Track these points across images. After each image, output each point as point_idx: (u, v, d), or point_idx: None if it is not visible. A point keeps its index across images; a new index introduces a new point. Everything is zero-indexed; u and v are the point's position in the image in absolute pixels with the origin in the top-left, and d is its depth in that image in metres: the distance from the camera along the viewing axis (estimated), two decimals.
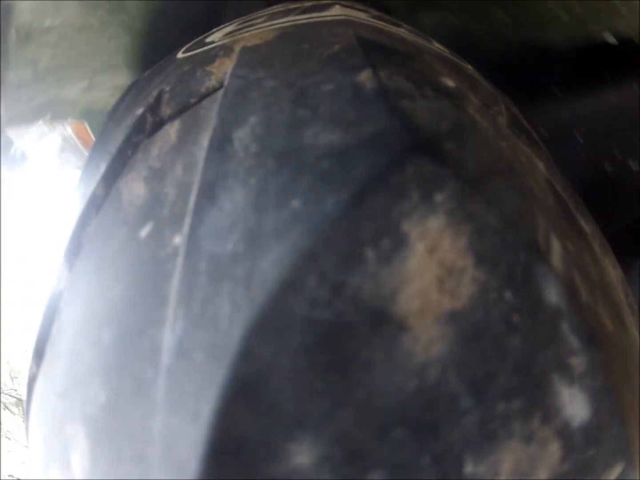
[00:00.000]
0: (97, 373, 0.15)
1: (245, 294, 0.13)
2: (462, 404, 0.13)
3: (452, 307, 0.13)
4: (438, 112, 0.16)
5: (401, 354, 0.13)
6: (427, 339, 0.13)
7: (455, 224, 0.14)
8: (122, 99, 0.24)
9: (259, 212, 0.14)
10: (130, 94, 0.23)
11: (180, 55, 0.23)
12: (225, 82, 0.18)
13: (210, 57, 0.20)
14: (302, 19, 0.21)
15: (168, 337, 0.13)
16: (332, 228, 0.13)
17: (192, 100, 0.18)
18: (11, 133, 0.35)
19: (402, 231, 0.13)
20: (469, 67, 0.22)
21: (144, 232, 0.16)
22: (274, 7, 0.24)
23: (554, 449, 0.13)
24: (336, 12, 0.22)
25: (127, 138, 0.18)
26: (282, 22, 0.21)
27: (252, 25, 0.22)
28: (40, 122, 0.35)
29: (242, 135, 0.15)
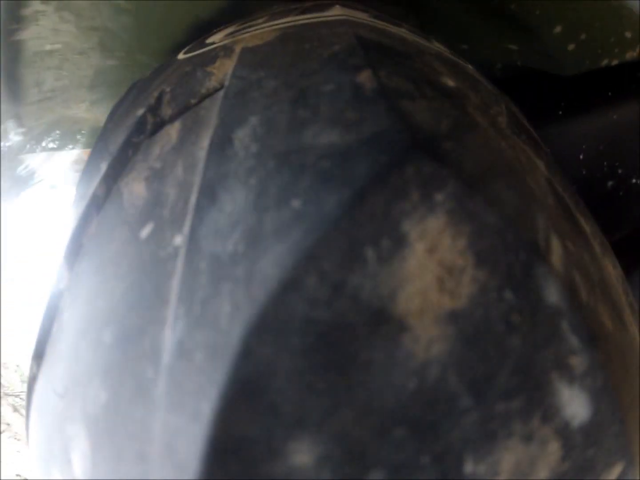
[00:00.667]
0: (97, 373, 0.15)
1: (246, 293, 0.13)
2: (462, 403, 0.13)
3: (452, 307, 0.13)
4: (438, 112, 0.16)
5: (401, 353, 0.13)
6: (427, 339, 0.13)
7: (455, 223, 0.14)
8: (122, 100, 0.24)
9: (260, 212, 0.14)
10: (131, 94, 0.23)
11: (180, 56, 0.23)
12: (226, 83, 0.18)
13: (210, 58, 0.20)
14: (303, 19, 0.21)
15: (168, 337, 0.13)
16: (332, 228, 0.13)
17: (193, 101, 0.18)
18: (20, 152, 0.35)
19: (402, 231, 0.13)
20: (470, 66, 0.22)
21: (145, 232, 0.16)
22: (274, 7, 0.24)
23: (554, 448, 0.13)
24: (336, 12, 0.22)
25: (127, 138, 0.18)
26: (283, 23, 0.21)
27: (253, 25, 0.22)
28: (49, 139, 0.35)
29: (242, 136, 0.15)
